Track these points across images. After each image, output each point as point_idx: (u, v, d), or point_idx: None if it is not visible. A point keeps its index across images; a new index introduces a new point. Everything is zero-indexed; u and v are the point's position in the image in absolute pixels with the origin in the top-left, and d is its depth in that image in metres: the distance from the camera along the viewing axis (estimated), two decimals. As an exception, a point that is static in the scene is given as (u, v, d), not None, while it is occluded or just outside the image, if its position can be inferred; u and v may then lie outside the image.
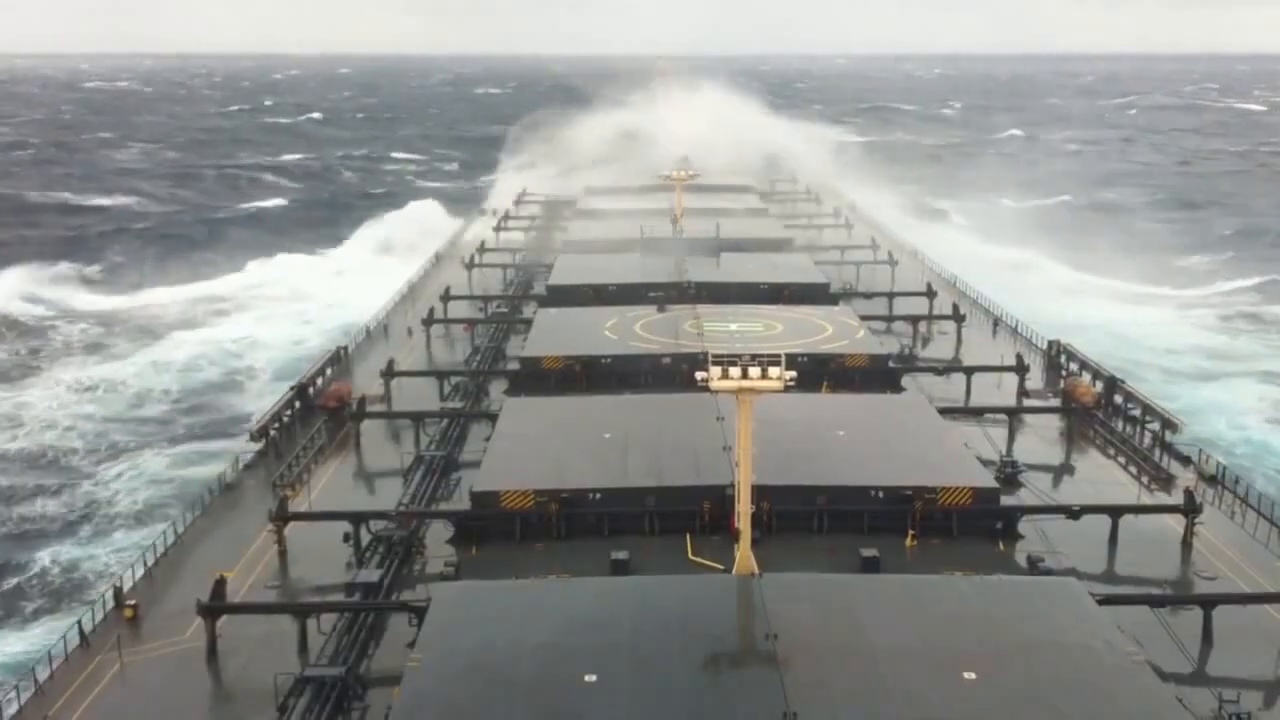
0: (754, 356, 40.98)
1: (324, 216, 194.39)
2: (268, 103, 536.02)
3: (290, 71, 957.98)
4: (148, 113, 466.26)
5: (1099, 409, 66.29)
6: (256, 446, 62.86)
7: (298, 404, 68.29)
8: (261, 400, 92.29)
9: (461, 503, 52.71)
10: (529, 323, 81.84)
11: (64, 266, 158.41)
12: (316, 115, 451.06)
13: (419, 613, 40.22)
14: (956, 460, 53.58)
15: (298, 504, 52.22)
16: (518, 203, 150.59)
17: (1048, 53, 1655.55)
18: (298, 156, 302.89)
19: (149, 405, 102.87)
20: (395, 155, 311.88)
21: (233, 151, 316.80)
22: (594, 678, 34.94)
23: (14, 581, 69.16)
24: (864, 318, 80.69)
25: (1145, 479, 57.36)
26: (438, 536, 50.18)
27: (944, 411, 61.79)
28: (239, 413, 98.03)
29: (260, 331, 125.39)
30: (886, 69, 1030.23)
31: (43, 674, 39.85)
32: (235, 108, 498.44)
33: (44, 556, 72.32)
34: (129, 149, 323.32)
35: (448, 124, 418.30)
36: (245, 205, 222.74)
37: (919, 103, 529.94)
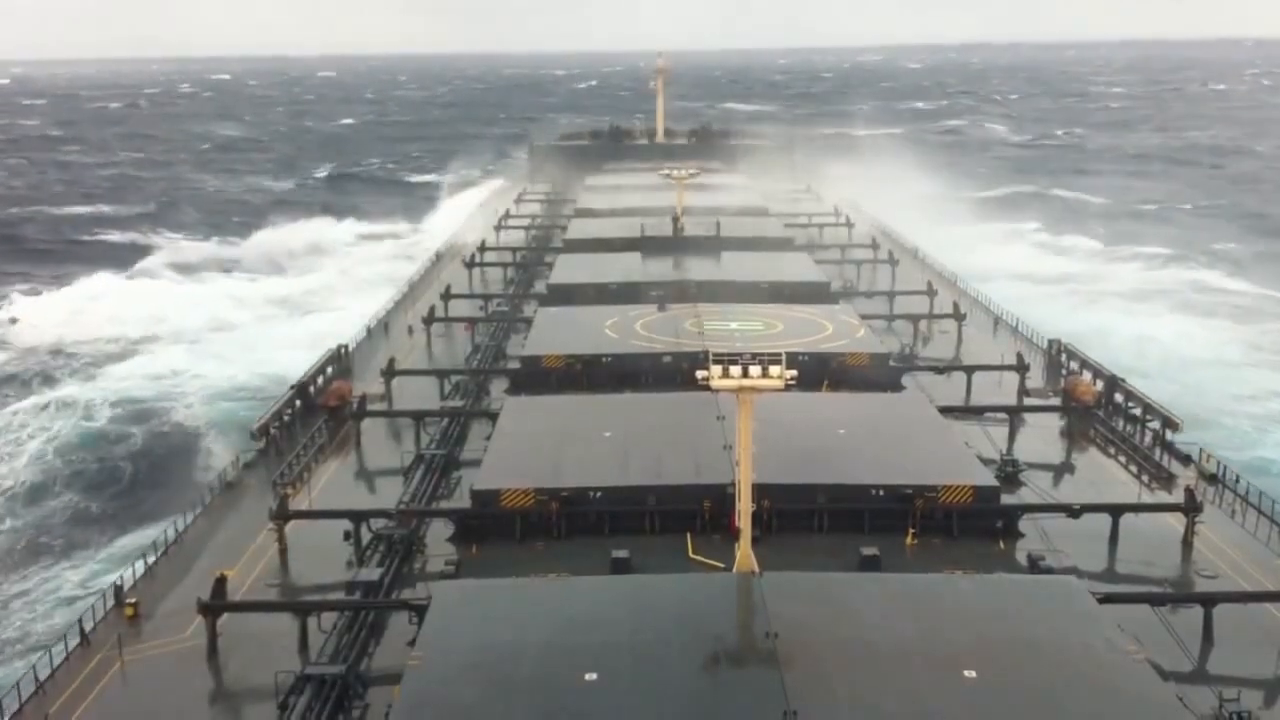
0: (754, 355, 40.90)
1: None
2: (263, 113, 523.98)
3: (289, 74, 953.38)
4: (150, 121, 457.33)
5: (1099, 408, 66.28)
6: (257, 445, 62.94)
7: (298, 403, 68.35)
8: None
9: (462, 501, 52.70)
10: (530, 321, 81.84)
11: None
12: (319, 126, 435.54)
13: (419, 611, 40.23)
14: (957, 459, 53.55)
15: (298, 502, 52.26)
16: (518, 201, 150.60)
17: (1049, 42, 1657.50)
18: (278, 176, 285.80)
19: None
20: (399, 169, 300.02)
21: (224, 165, 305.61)
22: (594, 676, 34.93)
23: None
24: (864, 317, 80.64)
25: (1146, 478, 57.36)
26: (438, 535, 50.22)
27: (944, 410, 61.76)
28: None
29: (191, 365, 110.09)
30: (891, 61, 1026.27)
31: (43, 672, 39.87)
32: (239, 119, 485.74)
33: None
34: (118, 162, 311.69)
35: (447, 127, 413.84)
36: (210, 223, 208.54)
37: (969, 96, 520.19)
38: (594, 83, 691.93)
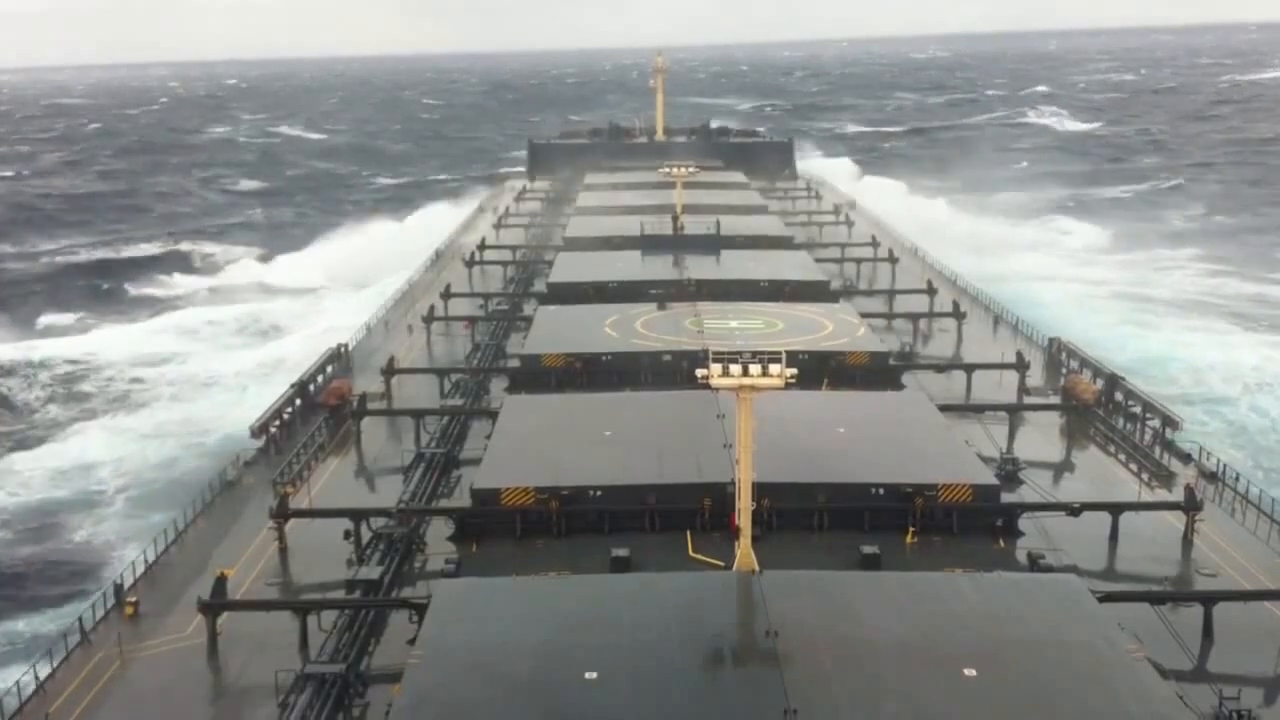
0: (754, 354, 40.99)
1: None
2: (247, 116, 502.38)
3: (288, 77, 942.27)
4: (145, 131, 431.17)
5: (1099, 406, 66.27)
6: (257, 444, 62.96)
7: (298, 401, 68.40)
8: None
9: (462, 500, 52.71)
10: (529, 320, 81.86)
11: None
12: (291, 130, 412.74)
13: (420, 610, 40.28)
14: (957, 457, 53.56)
15: (298, 501, 52.23)
16: (518, 200, 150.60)
17: (1055, 29, 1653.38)
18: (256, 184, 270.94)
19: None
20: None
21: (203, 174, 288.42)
22: (594, 675, 34.95)
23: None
24: (864, 315, 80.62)
25: (1146, 476, 57.31)
26: (438, 534, 50.22)
27: (944, 409, 61.74)
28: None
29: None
30: (900, 54, 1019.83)
31: (43, 671, 39.89)
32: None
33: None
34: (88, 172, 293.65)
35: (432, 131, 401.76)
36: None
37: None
38: (603, 79, 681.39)
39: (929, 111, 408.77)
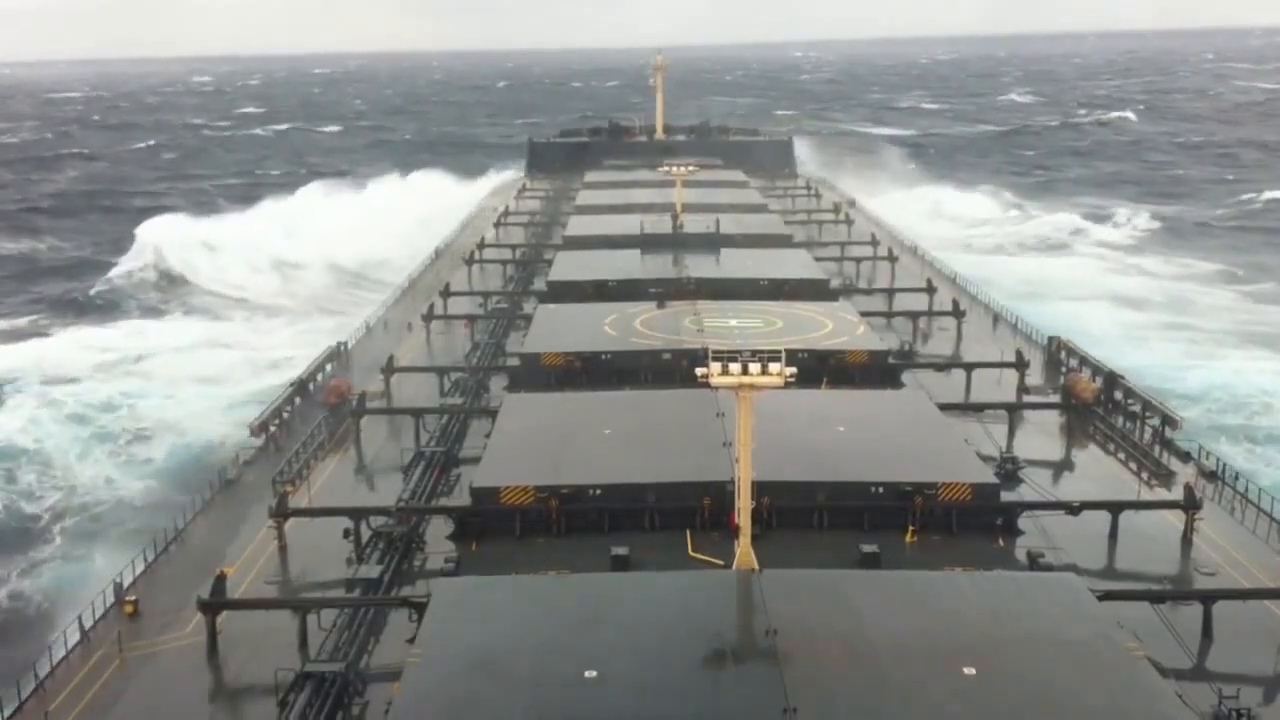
0: (754, 352, 41.02)
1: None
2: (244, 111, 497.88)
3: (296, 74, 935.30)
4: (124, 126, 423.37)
5: (1099, 405, 66.31)
6: (257, 442, 62.99)
7: (297, 400, 68.45)
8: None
9: (461, 499, 52.71)
10: (529, 319, 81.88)
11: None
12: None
13: (419, 608, 40.29)
14: (956, 456, 53.57)
15: (298, 500, 52.24)
16: (518, 198, 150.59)
17: (1057, 32, 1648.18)
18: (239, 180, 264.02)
19: None
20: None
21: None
22: (594, 673, 34.97)
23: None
24: (864, 314, 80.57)
25: (1145, 475, 57.34)
26: (438, 532, 50.25)
27: (944, 407, 61.71)
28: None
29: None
30: (904, 54, 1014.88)
31: (43, 670, 39.92)
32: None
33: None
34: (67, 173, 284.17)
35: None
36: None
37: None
38: (608, 84, 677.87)
39: (966, 118, 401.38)
